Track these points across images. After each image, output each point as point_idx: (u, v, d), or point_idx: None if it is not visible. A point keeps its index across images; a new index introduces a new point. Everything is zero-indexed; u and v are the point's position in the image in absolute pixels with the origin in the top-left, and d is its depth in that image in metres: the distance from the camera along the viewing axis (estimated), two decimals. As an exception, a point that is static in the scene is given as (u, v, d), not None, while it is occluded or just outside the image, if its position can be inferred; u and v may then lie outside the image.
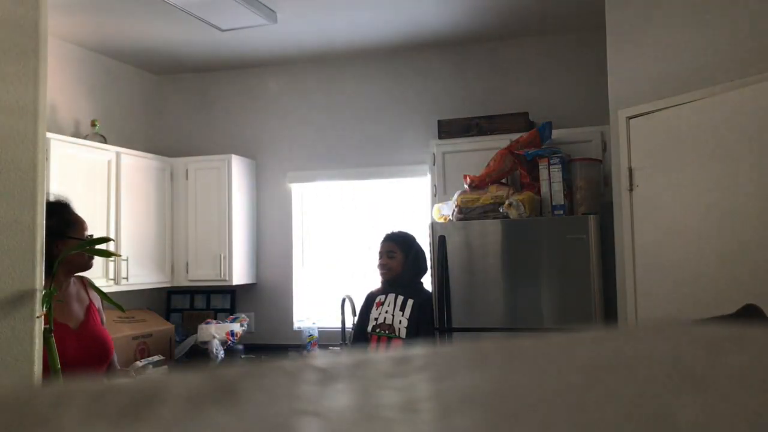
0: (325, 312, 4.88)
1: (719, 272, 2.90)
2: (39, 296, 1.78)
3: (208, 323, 4.65)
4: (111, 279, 4.26)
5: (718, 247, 2.92)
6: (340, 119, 5.00)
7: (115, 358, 2.73)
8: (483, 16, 4.23)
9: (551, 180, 3.82)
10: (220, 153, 5.00)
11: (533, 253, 3.74)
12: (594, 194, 3.83)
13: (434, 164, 4.37)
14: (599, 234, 3.67)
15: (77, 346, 2.48)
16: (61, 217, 2.50)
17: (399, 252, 3.82)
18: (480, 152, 4.20)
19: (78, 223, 2.56)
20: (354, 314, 4.17)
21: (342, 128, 4.99)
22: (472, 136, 4.41)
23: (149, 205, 4.71)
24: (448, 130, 4.53)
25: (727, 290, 2.85)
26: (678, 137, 3.14)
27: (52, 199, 2.58)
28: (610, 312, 3.68)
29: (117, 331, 4.19)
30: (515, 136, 4.13)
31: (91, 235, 2.61)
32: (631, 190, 3.38)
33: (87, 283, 2.66)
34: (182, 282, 4.91)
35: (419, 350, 0.35)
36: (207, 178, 4.89)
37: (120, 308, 2.33)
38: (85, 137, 4.35)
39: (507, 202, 3.76)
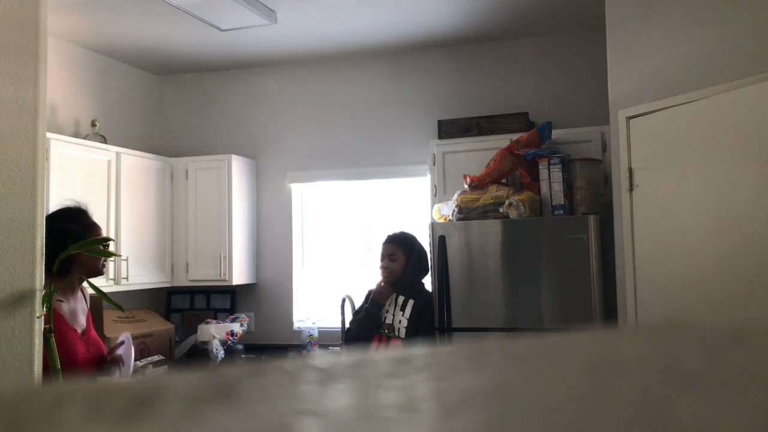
0: (325, 312, 4.88)
1: (719, 272, 2.90)
2: (39, 296, 1.78)
3: (208, 323, 4.65)
4: (111, 279, 4.26)
5: (717, 246, 2.92)
6: (340, 119, 5.00)
7: None
8: (483, 16, 4.23)
9: (551, 180, 3.82)
10: (220, 153, 5.00)
11: (533, 253, 3.74)
12: (594, 194, 3.83)
13: (434, 164, 4.37)
14: (599, 234, 3.67)
15: (85, 351, 2.50)
16: (82, 222, 2.54)
17: (401, 254, 3.82)
18: (480, 152, 4.20)
19: (96, 228, 2.60)
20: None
21: (342, 128, 4.99)
22: (472, 136, 4.41)
23: (149, 205, 4.71)
24: (448, 130, 4.53)
25: (727, 290, 2.86)
26: (678, 137, 3.14)
27: (70, 204, 2.62)
28: (610, 312, 3.68)
29: (117, 331, 4.19)
30: (515, 136, 4.13)
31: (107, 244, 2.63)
32: (631, 190, 3.38)
33: (84, 289, 2.68)
34: (182, 282, 4.90)
35: (419, 350, 0.35)
36: (207, 178, 4.89)
37: (120, 308, 2.34)
38: (85, 137, 4.36)
39: (507, 202, 3.76)
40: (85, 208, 2.64)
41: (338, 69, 5.02)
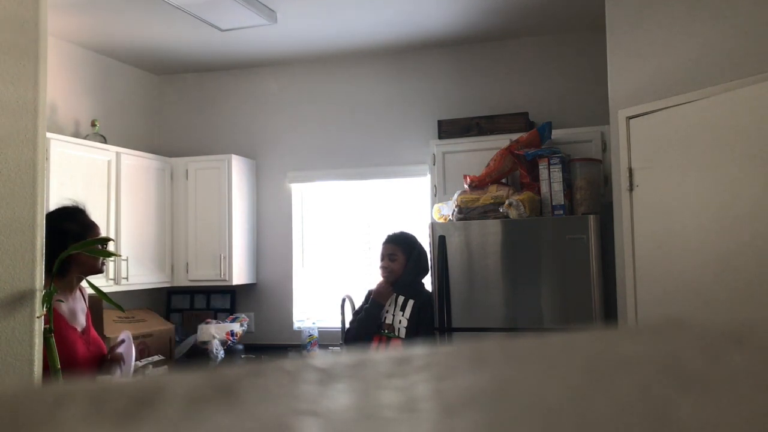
0: (325, 312, 4.88)
1: (719, 272, 2.90)
2: (39, 296, 1.78)
3: (208, 323, 4.65)
4: (111, 279, 4.26)
5: (717, 246, 2.92)
6: (340, 119, 5.00)
7: None
8: (483, 16, 4.23)
9: (551, 180, 3.82)
10: (220, 153, 5.00)
11: (533, 253, 3.74)
12: (594, 194, 3.83)
13: (434, 164, 4.37)
14: (599, 234, 3.67)
15: (85, 350, 2.51)
16: (80, 222, 2.55)
17: (401, 254, 3.82)
18: (480, 152, 4.20)
19: (94, 228, 2.61)
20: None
21: (342, 128, 4.99)
22: (472, 136, 4.41)
23: (149, 205, 4.71)
24: (448, 130, 4.53)
25: (727, 290, 2.86)
26: (678, 137, 3.14)
27: (68, 203, 2.62)
28: (610, 312, 3.68)
29: (117, 330, 4.19)
30: (515, 136, 4.13)
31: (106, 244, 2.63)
32: (631, 190, 3.38)
33: (83, 288, 2.68)
34: (182, 282, 4.90)
35: (419, 350, 0.35)
36: (207, 178, 4.89)
37: (120, 308, 2.34)
38: (85, 137, 4.35)
39: (507, 202, 3.76)
40: (83, 207, 2.64)
41: (338, 69, 5.02)
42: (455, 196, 4.01)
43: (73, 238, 2.40)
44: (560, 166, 3.80)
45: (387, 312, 3.78)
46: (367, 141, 4.91)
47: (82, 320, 2.58)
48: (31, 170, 1.77)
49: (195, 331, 4.69)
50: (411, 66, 4.86)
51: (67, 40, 4.51)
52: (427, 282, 3.93)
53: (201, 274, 4.85)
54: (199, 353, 4.56)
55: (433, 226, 3.94)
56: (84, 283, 2.63)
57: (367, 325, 3.78)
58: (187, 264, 4.87)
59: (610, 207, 3.57)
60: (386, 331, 3.76)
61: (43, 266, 1.81)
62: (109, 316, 4.20)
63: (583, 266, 3.63)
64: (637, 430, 0.24)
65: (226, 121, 5.25)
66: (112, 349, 2.66)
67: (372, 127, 4.91)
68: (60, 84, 4.42)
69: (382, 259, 3.85)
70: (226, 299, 5.12)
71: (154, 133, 5.32)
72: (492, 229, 3.82)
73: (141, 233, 4.60)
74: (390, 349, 0.38)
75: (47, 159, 3.78)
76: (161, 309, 5.15)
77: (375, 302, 3.80)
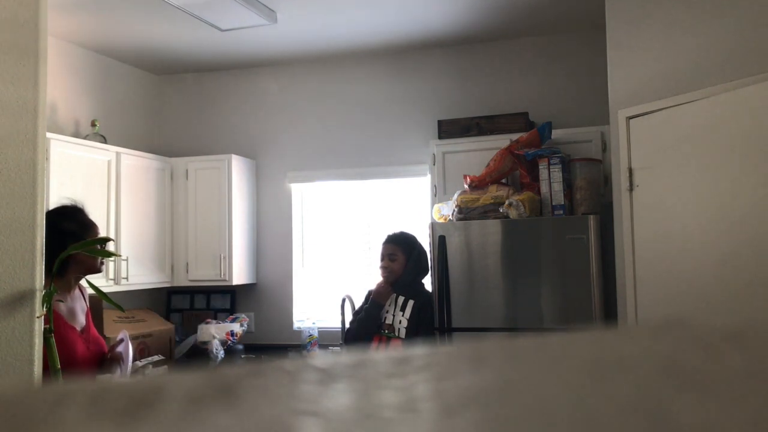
0: (325, 312, 4.88)
1: (719, 272, 2.90)
2: (39, 296, 1.78)
3: (208, 323, 4.65)
4: (111, 279, 4.26)
5: (717, 246, 2.92)
6: (340, 119, 5.00)
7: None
8: (483, 16, 4.23)
9: (551, 180, 3.82)
10: (220, 153, 5.00)
11: (533, 253, 3.74)
12: (594, 194, 3.83)
13: (434, 164, 4.38)
14: (599, 234, 3.67)
15: (85, 349, 2.50)
16: (79, 221, 2.54)
17: (401, 254, 3.82)
18: (480, 152, 4.20)
19: (93, 227, 2.60)
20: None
21: (342, 128, 4.99)
22: (472, 136, 4.41)
23: (149, 205, 4.71)
24: (448, 130, 4.53)
25: (727, 290, 2.86)
26: (678, 137, 3.14)
27: (66, 202, 2.61)
28: (610, 312, 3.68)
29: (116, 330, 4.19)
30: (515, 136, 4.13)
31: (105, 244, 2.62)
32: (631, 190, 3.38)
33: (83, 287, 2.68)
34: (182, 282, 4.90)
35: (419, 350, 0.35)
36: (207, 178, 4.89)
37: (120, 308, 2.34)
38: (85, 137, 4.35)
39: (507, 202, 3.76)
40: (81, 206, 2.63)
41: (338, 69, 5.02)
42: (455, 196, 4.01)
43: (71, 238, 2.39)
44: (560, 166, 3.80)
45: (387, 312, 3.78)
46: (367, 141, 4.91)
47: (81, 319, 2.58)
48: (31, 170, 1.77)
49: (195, 331, 4.69)
50: (411, 66, 4.86)
51: (67, 40, 4.51)
52: (427, 282, 3.94)
53: (201, 274, 4.85)
54: (199, 353, 4.56)
55: (433, 226, 3.94)
56: (84, 282, 2.63)
57: (367, 325, 3.78)
58: (187, 264, 4.87)
59: (610, 207, 3.57)
60: (386, 331, 3.76)
61: (43, 266, 1.81)
62: (109, 316, 4.20)
63: (583, 266, 3.63)
64: (637, 431, 0.24)
65: (226, 121, 5.25)
66: (112, 348, 2.66)
67: (372, 127, 4.91)
68: (60, 84, 4.42)
69: (382, 259, 3.85)
70: (226, 299, 5.12)
71: (154, 133, 5.32)
72: (492, 229, 3.82)
73: (141, 233, 4.60)
74: (390, 349, 0.38)
75: (47, 159, 3.78)
76: (161, 309, 5.15)
77: (375, 302, 3.80)
